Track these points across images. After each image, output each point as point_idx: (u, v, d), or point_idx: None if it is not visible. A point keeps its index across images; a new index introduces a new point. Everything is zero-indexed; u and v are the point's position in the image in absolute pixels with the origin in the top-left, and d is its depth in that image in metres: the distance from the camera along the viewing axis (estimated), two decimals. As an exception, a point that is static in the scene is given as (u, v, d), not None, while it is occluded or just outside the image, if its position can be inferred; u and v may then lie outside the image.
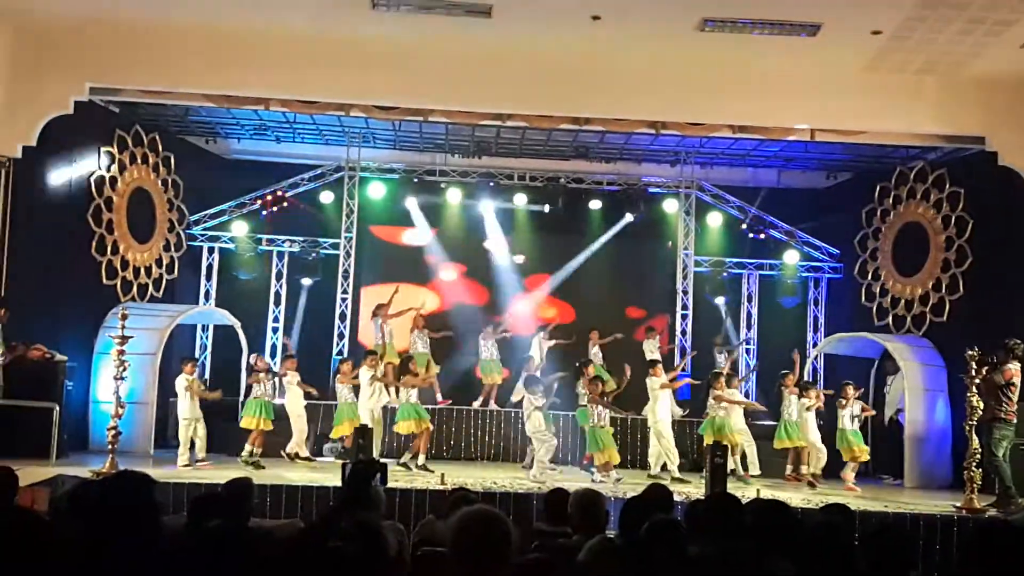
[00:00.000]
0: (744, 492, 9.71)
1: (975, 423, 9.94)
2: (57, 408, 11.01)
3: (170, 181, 14.80)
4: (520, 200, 15.87)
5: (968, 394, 9.88)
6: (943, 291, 13.48)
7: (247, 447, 11.82)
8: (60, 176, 12.39)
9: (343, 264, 15.59)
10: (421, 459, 11.79)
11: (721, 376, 12.40)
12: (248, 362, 13.71)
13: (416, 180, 15.78)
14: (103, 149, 13.27)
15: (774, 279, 16.29)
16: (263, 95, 11.94)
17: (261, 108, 12.73)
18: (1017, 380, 10.25)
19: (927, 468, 12.56)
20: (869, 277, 14.95)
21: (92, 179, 13.03)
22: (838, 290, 16.10)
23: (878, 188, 14.81)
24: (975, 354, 9.77)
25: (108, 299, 13.21)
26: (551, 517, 5.51)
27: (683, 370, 14.13)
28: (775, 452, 12.31)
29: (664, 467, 12.18)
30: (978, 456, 9.92)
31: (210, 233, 15.67)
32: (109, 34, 11.12)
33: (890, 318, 14.40)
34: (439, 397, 13.94)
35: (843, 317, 15.61)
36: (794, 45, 10.74)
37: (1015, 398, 10.28)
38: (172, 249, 14.89)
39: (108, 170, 13.33)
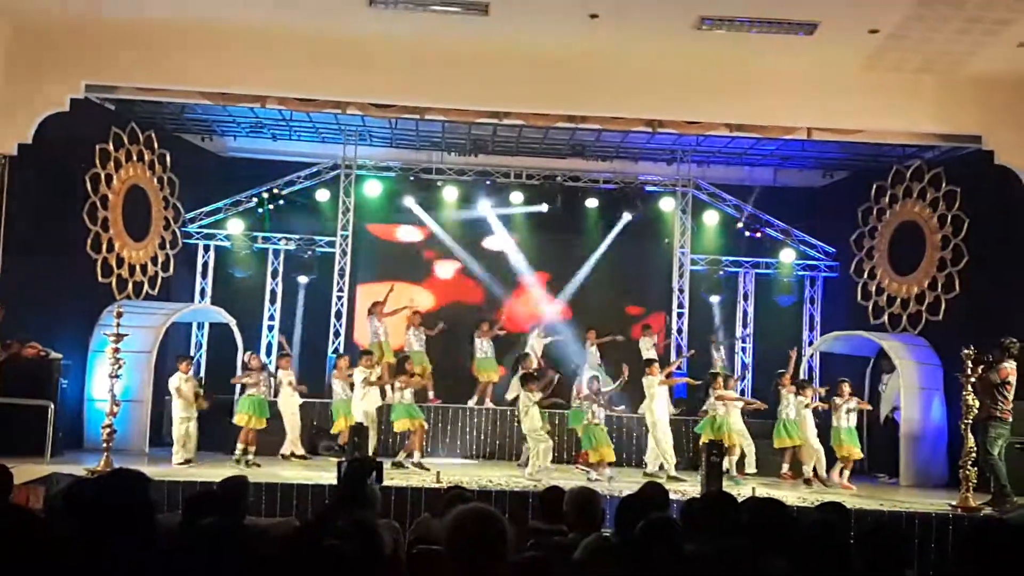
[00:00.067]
0: (739, 491, 9.71)
1: (971, 422, 9.98)
2: (52, 406, 10.94)
3: (166, 179, 14.77)
4: (516, 198, 15.84)
5: (964, 393, 9.92)
6: (939, 290, 13.50)
7: (239, 445, 11.83)
8: (56, 174, 12.35)
9: (339, 262, 15.54)
10: (416, 456, 11.81)
11: (720, 376, 12.41)
12: (243, 360, 13.68)
13: (412, 178, 15.74)
14: (99, 147, 13.24)
15: (770, 277, 16.27)
16: (259, 93, 11.89)
17: (257, 106, 12.69)
18: (1013, 379, 10.27)
19: (923, 467, 12.58)
20: (865, 276, 14.95)
21: (88, 177, 13.00)
22: (834, 289, 16.10)
23: (874, 187, 14.81)
24: (971, 353, 9.80)
25: (103, 297, 13.18)
26: (547, 515, 5.51)
27: (679, 368, 14.12)
28: (774, 451, 12.33)
29: (661, 467, 12.18)
30: (974, 455, 9.94)
31: (206, 231, 15.64)
32: (105, 32, 11.08)
33: (886, 316, 14.41)
34: (431, 395, 13.94)
35: (839, 315, 15.62)
36: (791, 44, 10.72)
37: (1011, 397, 10.29)
38: (168, 247, 14.86)
39: (104, 168, 13.30)
